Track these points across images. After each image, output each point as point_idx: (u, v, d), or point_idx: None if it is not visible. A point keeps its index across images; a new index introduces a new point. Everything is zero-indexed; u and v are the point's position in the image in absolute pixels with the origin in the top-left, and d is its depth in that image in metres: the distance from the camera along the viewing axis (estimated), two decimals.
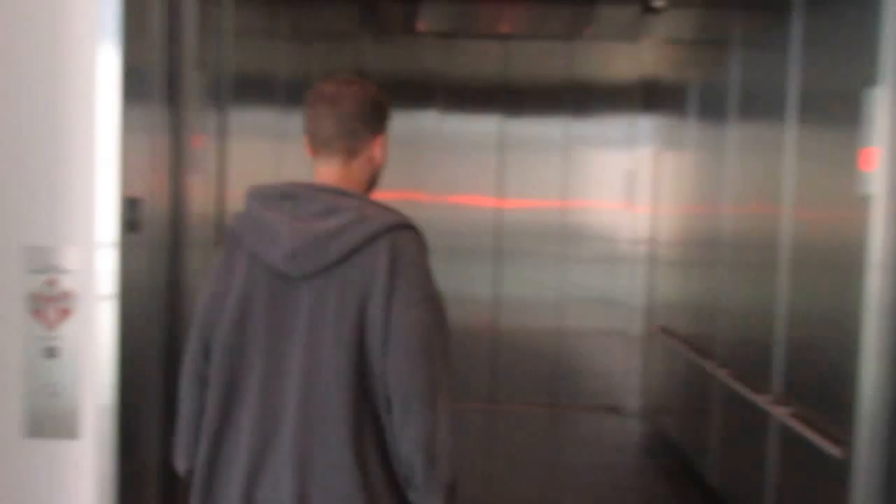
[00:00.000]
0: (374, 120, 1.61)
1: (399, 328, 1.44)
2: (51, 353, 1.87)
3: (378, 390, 1.47)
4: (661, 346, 5.10)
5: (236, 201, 3.12)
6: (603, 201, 5.75)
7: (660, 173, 5.43)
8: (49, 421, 1.88)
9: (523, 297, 5.82)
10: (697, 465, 4.13)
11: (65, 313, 1.88)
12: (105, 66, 1.84)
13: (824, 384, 2.64)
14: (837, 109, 2.58)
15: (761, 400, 3.07)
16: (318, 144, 1.59)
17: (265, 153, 3.40)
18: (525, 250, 5.79)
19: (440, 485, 1.48)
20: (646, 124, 5.63)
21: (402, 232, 1.50)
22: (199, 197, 2.29)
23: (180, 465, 1.62)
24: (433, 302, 1.50)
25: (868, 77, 2.14)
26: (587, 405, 5.77)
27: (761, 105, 3.40)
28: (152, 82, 1.95)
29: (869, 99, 2.12)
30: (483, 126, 5.79)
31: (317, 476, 1.45)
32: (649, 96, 5.60)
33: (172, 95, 2.06)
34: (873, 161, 2.08)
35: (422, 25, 5.70)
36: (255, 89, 3.37)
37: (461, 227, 5.64)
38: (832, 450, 2.43)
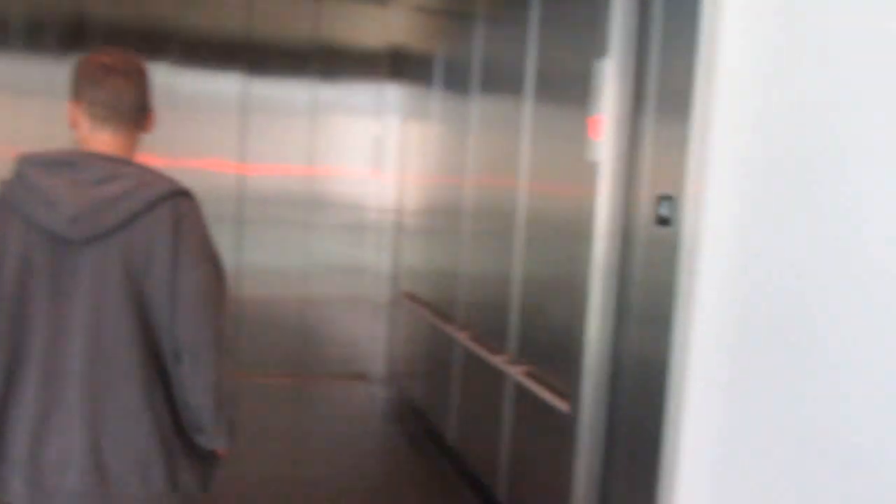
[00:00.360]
0: (150, 90, 1.73)
1: (186, 286, 1.58)
2: None
3: (163, 344, 1.60)
4: (407, 311, 5.19)
5: None
6: (350, 169, 5.67)
7: (407, 142, 5.47)
8: None
9: (267, 265, 5.59)
10: (439, 428, 4.26)
11: None
12: None
13: (555, 344, 2.81)
14: (571, 84, 2.72)
15: (497, 360, 3.20)
16: (110, 114, 1.64)
17: None
18: (269, 218, 5.55)
19: (226, 426, 1.65)
20: (394, 92, 5.63)
21: (182, 198, 1.64)
22: None
23: None
24: (214, 262, 1.65)
25: (598, 51, 2.25)
26: (334, 373, 5.72)
27: (502, 79, 3.51)
28: None
29: (597, 69, 2.23)
30: (223, 85, 5.40)
31: (109, 428, 1.56)
32: (397, 64, 5.60)
33: None
34: (600, 129, 2.20)
35: None
36: None
37: (200, 194, 5.20)
38: (560, 405, 2.58)
